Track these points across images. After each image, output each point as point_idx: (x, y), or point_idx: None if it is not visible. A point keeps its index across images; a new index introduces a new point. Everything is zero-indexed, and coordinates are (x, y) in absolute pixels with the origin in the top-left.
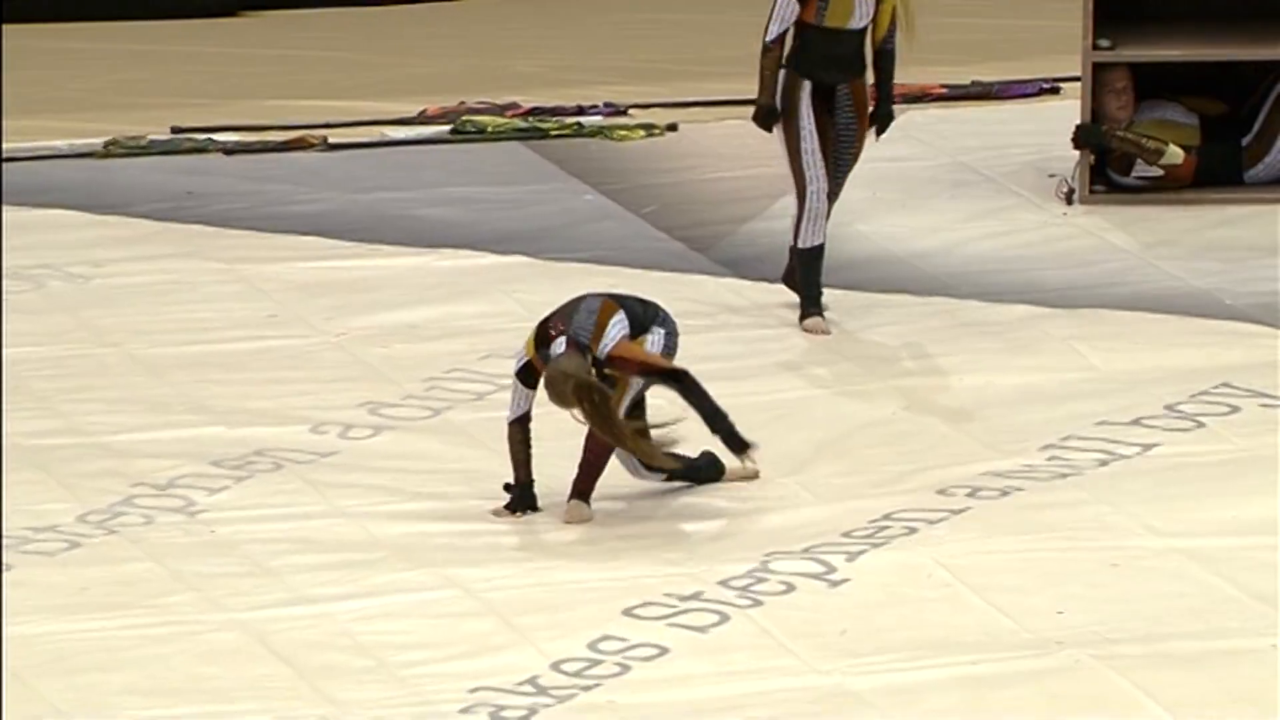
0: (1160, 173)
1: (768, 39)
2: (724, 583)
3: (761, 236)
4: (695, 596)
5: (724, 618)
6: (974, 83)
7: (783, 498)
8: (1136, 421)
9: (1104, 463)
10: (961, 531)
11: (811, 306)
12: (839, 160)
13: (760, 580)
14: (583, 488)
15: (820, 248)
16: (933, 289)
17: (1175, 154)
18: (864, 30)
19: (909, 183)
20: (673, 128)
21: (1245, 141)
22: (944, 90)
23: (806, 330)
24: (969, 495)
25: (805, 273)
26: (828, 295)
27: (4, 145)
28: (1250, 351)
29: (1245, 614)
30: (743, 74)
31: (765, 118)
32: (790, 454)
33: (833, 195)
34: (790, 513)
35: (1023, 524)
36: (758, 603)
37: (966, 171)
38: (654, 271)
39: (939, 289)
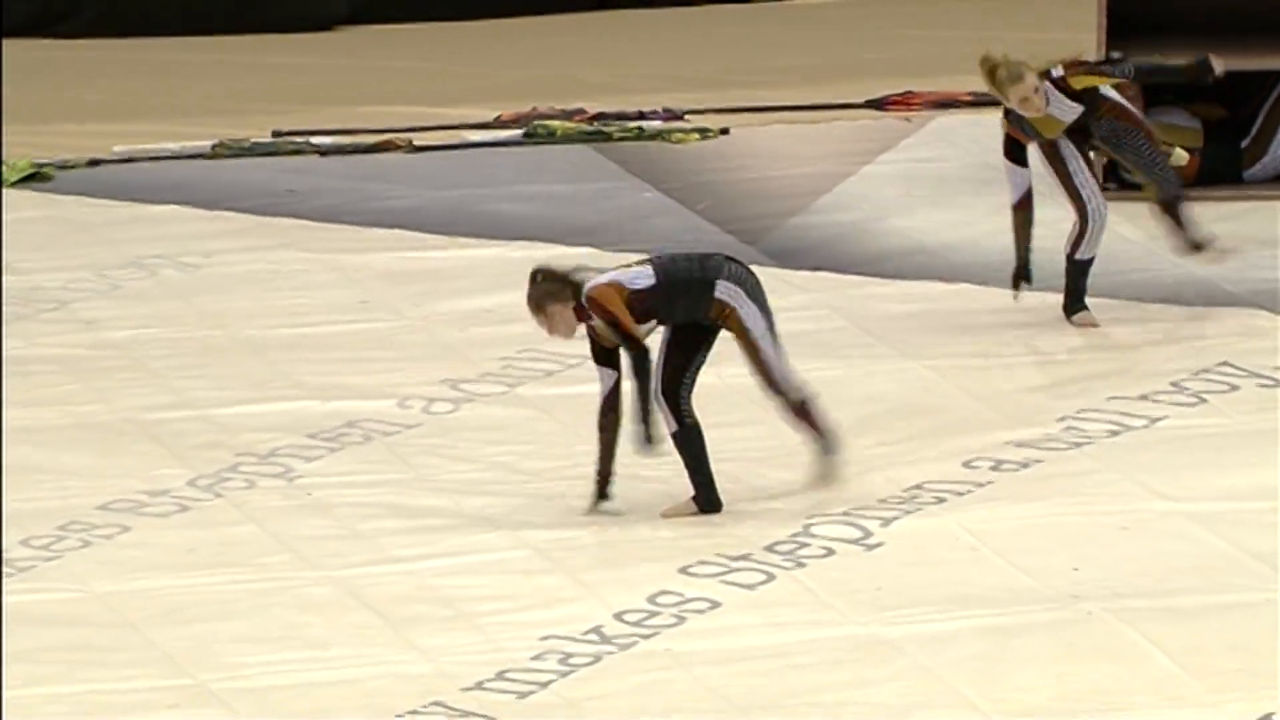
0: None
1: (1012, 202)
2: (770, 547)
3: (806, 230)
4: (744, 558)
5: (770, 576)
6: None
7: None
8: (1144, 397)
9: (1115, 434)
10: (986, 500)
11: (1077, 304)
12: (1149, 164)
13: (803, 545)
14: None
15: (1092, 260)
16: (961, 277)
17: (1180, 155)
18: (1079, 117)
19: (940, 181)
20: (725, 131)
21: (1244, 144)
22: (970, 97)
23: (1077, 324)
24: (992, 469)
25: (1078, 278)
26: (869, 282)
27: (121, 147)
28: (1249, 335)
29: (1244, 572)
30: (787, 83)
31: (1016, 277)
32: (878, 417)
33: (1173, 198)
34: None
35: (1041, 491)
36: (800, 564)
37: (991, 171)
38: None
39: (967, 277)
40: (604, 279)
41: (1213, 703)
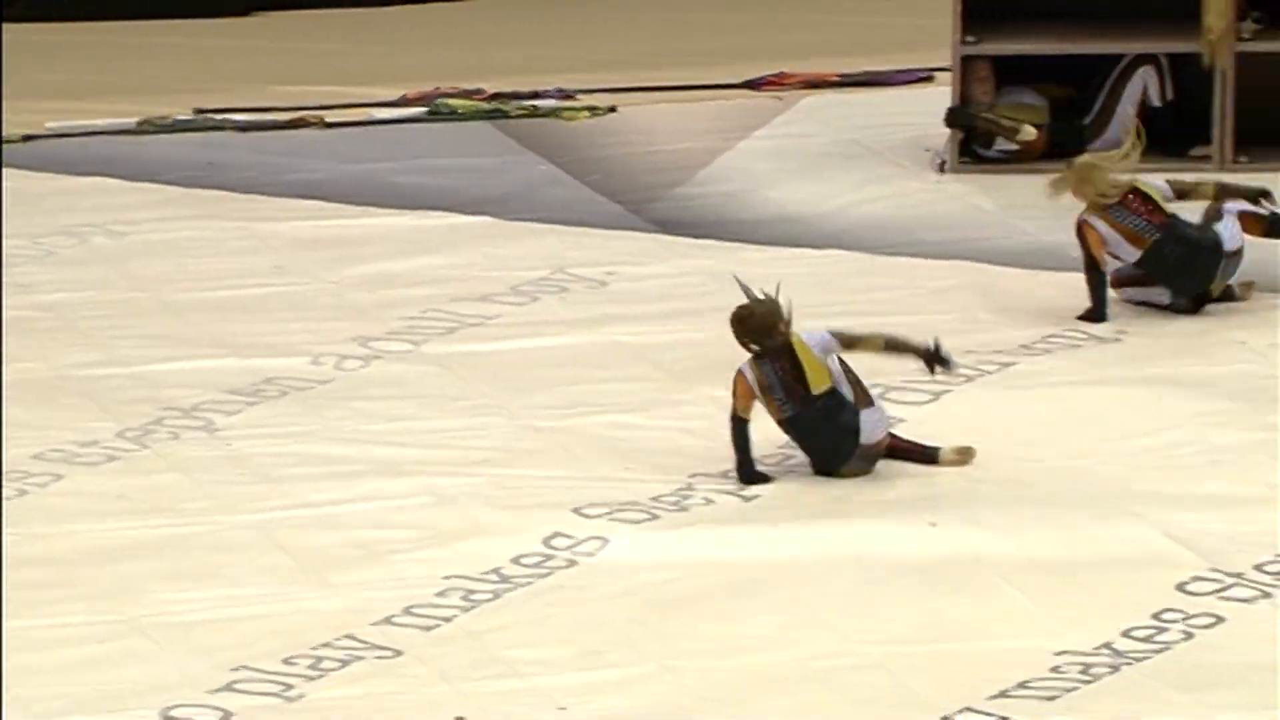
0: (1017, 147)
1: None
2: (655, 498)
3: (688, 200)
4: (631, 504)
5: (654, 516)
6: (863, 72)
7: (706, 418)
8: (998, 350)
9: (970, 379)
10: None
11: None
12: None
13: (687, 497)
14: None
15: None
16: (830, 244)
17: (1029, 131)
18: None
19: (809, 156)
20: (613, 110)
21: (1087, 120)
22: (838, 78)
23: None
24: None
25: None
26: (745, 248)
27: (54, 124)
28: (1085, 299)
29: (1086, 518)
30: (670, 65)
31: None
32: (707, 379)
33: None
34: (714, 437)
35: (903, 430)
36: (684, 509)
37: (857, 147)
38: (596, 229)
39: (835, 244)
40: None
41: (1059, 633)
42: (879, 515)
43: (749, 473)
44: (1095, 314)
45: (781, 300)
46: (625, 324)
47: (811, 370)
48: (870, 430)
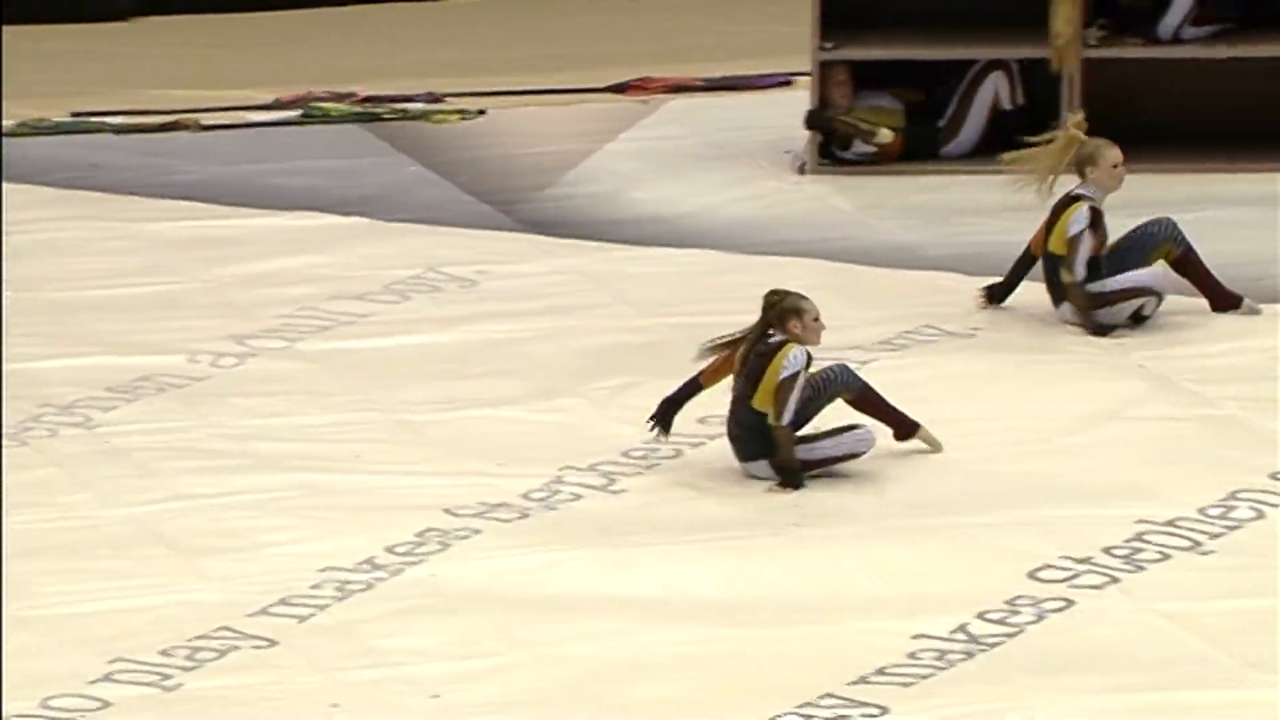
0: (874, 149)
1: (1077, 278)
2: (526, 494)
3: (556, 201)
4: (502, 505)
5: (525, 514)
6: (725, 77)
7: (574, 413)
8: (855, 347)
9: None
10: (718, 450)
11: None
12: None
13: (555, 493)
14: (901, 420)
15: None
16: (694, 243)
17: (885, 134)
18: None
19: (674, 158)
20: (482, 113)
21: (941, 124)
22: (701, 82)
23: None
24: (724, 422)
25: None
26: (613, 247)
27: None
28: (947, 296)
29: (943, 503)
30: (538, 69)
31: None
32: (576, 375)
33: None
34: (583, 431)
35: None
36: (552, 508)
37: (720, 149)
38: (466, 229)
39: (699, 243)
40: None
41: (916, 618)
42: (742, 504)
43: (665, 410)
44: (1001, 292)
45: (814, 318)
46: (496, 321)
47: (764, 389)
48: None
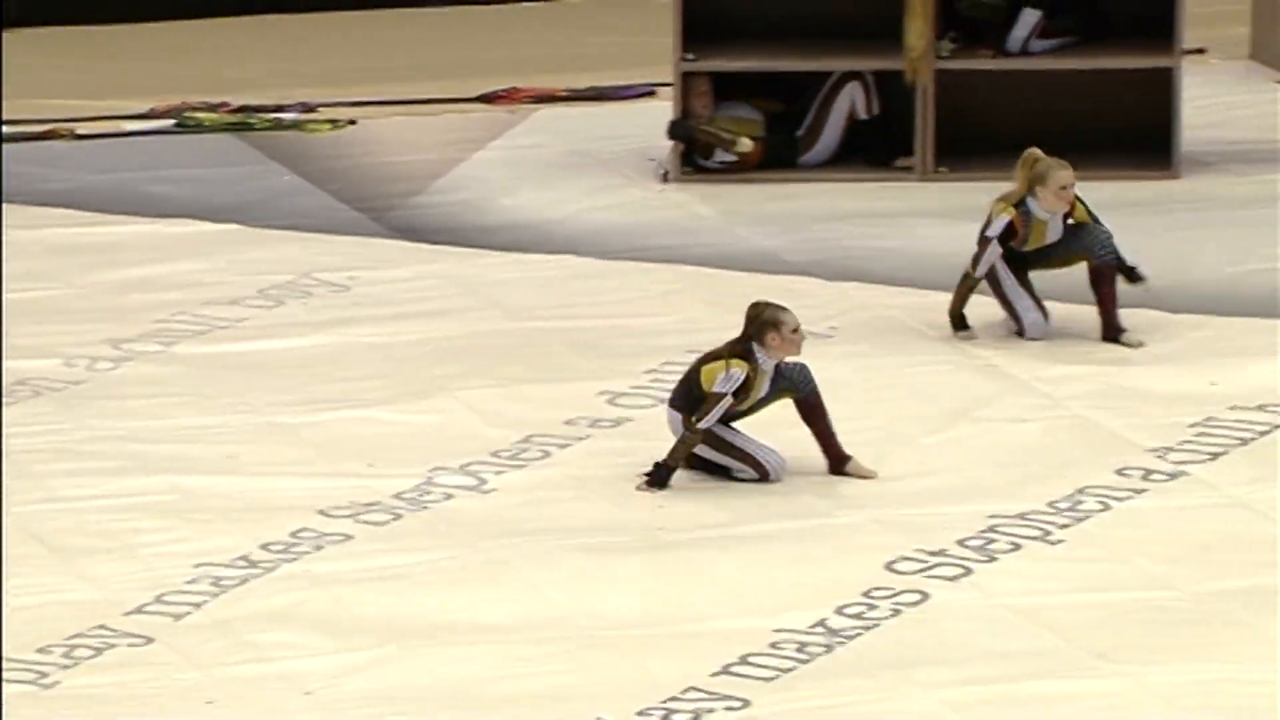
0: (735, 158)
1: (976, 274)
2: (398, 494)
3: (426, 208)
4: (375, 505)
5: (398, 516)
6: (590, 87)
7: (445, 414)
8: (692, 351)
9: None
10: (587, 452)
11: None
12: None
13: (426, 493)
14: (836, 450)
15: None
16: (562, 249)
17: (746, 143)
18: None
19: (541, 166)
20: (353, 122)
21: (800, 133)
22: (567, 93)
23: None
24: (590, 425)
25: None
26: (482, 254)
27: None
28: (806, 299)
29: (800, 505)
30: (408, 79)
31: (955, 326)
32: (447, 378)
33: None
34: (453, 432)
35: (631, 443)
36: (425, 507)
37: (586, 158)
38: (338, 236)
39: (566, 249)
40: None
41: (776, 611)
42: (609, 505)
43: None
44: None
45: (793, 329)
46: (368, 325)
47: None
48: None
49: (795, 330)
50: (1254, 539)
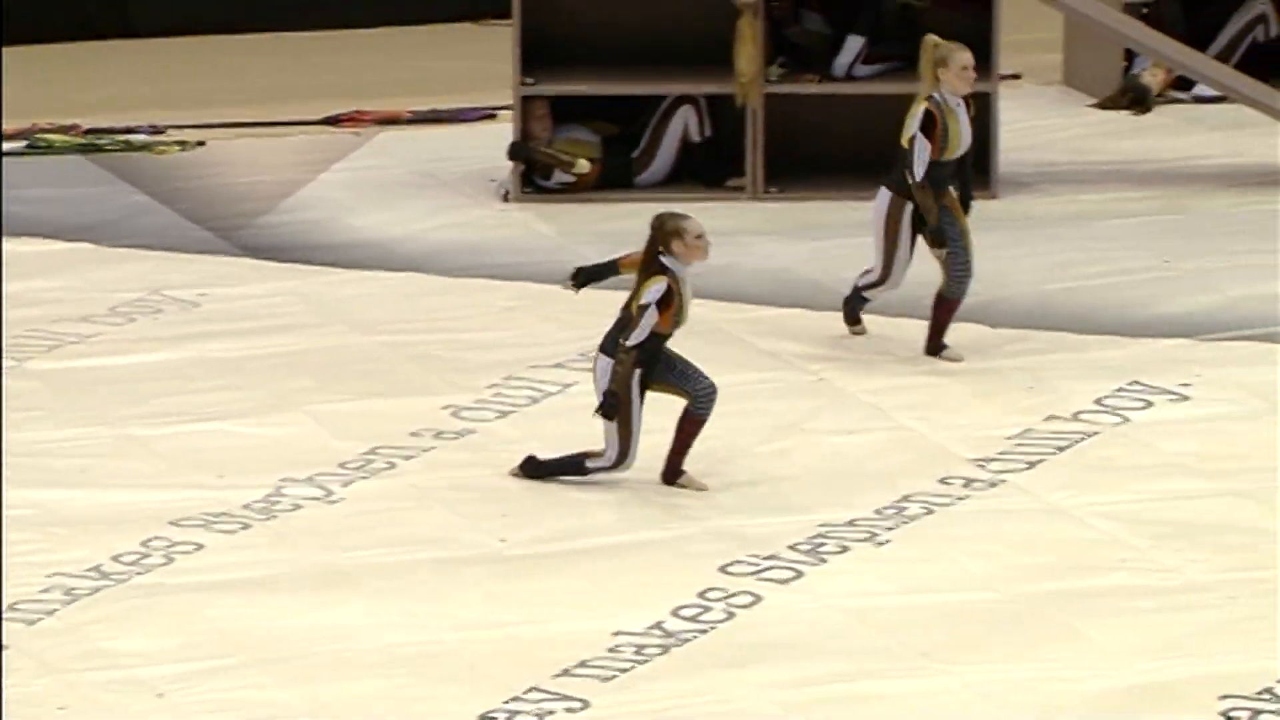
0: (572, 179)
1: (919, 179)
2: (247, 505)
3: (274, 228)
4: (224, 515)
5: (246, 525)
6: (433, 110)
7: (293, 427)
8: (558, 365)
9: (534, 401)
10: (429, 464)
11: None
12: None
13: (275, 503)
14: (676, 465)
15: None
16: (406, 267)
17: (583, 165)
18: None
19: (386, 186)
20: (201, 144)
21: (635, 154)
22: (410, 115)
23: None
24: (435, 436)
25: (857, 304)
26: (328, 271)
27: None
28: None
29: (643, 517)
30: (255, 102)
31: (936, 239)
32: (295, 391)
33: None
34: (301, 444)
35: (474, 456)
36: (273, 517)
37: (429, 178)
38: (189, 254)
39: (411, 266)
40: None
41: (615, 614)
42: (453, 513)
43: (581, 276)
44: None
45: (696, 235)
46: (218, 340)
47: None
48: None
49: (699, 236)
50: (1069, 543)
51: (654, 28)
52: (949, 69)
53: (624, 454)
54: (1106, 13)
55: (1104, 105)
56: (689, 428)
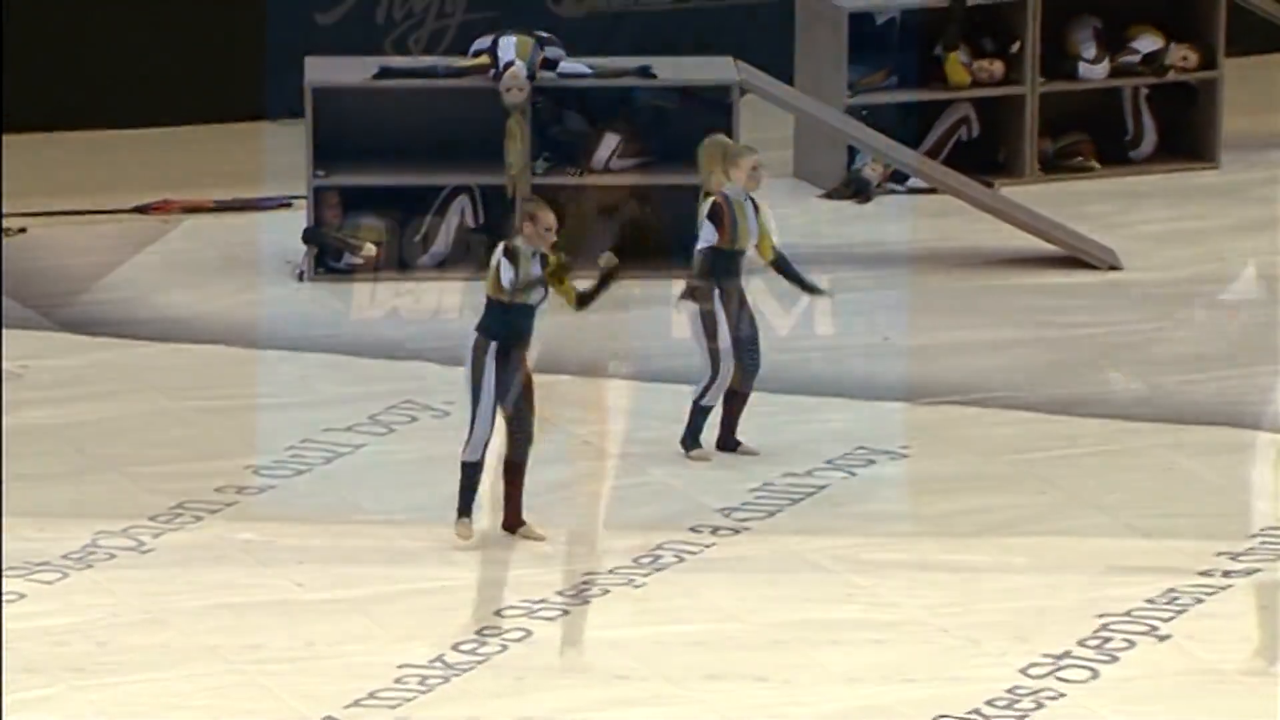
0: (361, 260)
1: (697, 249)
2: (65, 555)
3: (92, 306)
4: (44, 565)
5: (65, 575)
6: (235, 199)
7: (108, 484)
8: (349, 429)
9: (329, 460)
10: (236, 514)
11: (694, 443)
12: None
13: (92, 552)
14: (515, 514)
15: (711, 408)
16: (212, 340)
17: (370, 248)
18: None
19: (193, 268)
20: (23, 230)
21: (417, 238)
22: (214, 203)
23: (693, 459)
24: (238, 492)
25: (699, 421)
26: (142, 344)
27: None
28: (423, 381)
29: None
30: (72, 193)
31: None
32: (112, 454)
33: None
34: (113, 496)
35: (272, 503)
36: (89, 566)
37: (232, 260)
38: (13, 330)
39: (216, 340)
40: None
41: (401, 649)
42: (255, 558)
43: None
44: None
45: (546, 228)
46: (39, 408)
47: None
48: None
49: (549, 229)
50: (788, 581)
51: (433, 126)
52: (739, 168)
53: (482, 432)
54: (831, 114)
55: (830, 195)
56: (511, 472)
